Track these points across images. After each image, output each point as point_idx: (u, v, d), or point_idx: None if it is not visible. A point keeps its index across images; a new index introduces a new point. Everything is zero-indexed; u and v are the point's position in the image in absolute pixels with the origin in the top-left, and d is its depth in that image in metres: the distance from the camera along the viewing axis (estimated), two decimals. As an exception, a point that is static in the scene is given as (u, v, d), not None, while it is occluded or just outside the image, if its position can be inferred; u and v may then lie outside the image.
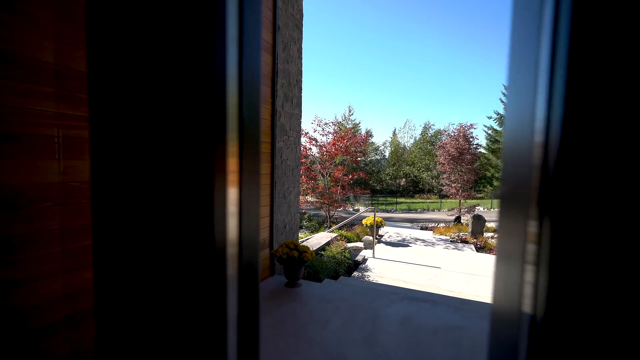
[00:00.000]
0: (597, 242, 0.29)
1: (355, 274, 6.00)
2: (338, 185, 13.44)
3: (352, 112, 36.41)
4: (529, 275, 0.33)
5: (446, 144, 17.35)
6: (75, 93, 1.73)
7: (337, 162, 13.98)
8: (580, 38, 0.27)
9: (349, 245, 7.57)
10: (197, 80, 0.39)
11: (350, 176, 13.59)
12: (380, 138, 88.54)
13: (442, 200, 29.64)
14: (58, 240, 1.72)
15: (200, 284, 0.44)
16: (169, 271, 0.45)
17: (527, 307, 0.34)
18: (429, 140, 39.33)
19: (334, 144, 13.29)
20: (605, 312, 0.29)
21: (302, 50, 5.02)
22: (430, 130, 40.98)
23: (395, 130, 45.80)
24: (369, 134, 30.97)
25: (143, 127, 0.42)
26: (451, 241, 10.36)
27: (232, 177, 0.43)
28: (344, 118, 35.90)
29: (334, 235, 7.76)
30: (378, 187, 37.59)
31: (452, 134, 17.98)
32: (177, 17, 0.38)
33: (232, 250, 0.46)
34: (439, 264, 7.16)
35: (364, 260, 6.95)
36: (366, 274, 6.04)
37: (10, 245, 1.50)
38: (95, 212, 0.45)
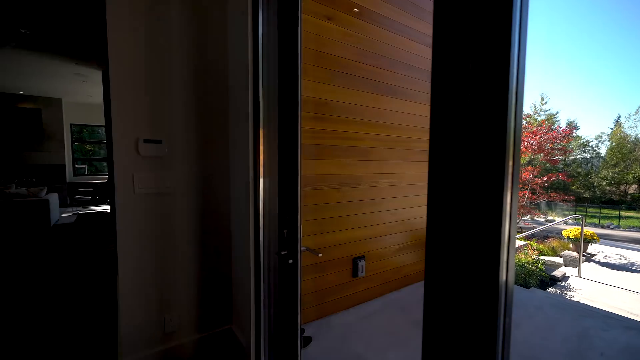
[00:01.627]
0: None
1: (552, 289, 5.15)
2: (526, 189, 11.48)
3: (545, 100, 29.50)
4: None
5: None
6: (323, 115, 2.57)
7: (524, 161, 11.96)
8: None
9: (542, 258, 6.48)
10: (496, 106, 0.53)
11: (544, 178, 11.33)
12: (590, 131, 67.02)
13: None
14: (311, 212, 2.61)
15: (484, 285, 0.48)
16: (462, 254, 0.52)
17: None
18: (687, 129, 26.71)
19: (522, 141, 11.45)
20: None
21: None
22: (689, 113, 27.78)
23: (619, 118, 33.80)
24: (572, 127, 24.32)
25: (458, 146, 0.57)
26: None
27: (508, 181, 0.47)
28: (534, 110, 29.63)
29: (521, 243, 6.85)
30: (586, 194, 28.83)
31: None
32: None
33: (505, 252, 0.47)
34: (700, 303, 5.05)
35: (564, 277, 5.81)
36: (567, 293, 5.08)
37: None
38: (429, 193, 0.65)
